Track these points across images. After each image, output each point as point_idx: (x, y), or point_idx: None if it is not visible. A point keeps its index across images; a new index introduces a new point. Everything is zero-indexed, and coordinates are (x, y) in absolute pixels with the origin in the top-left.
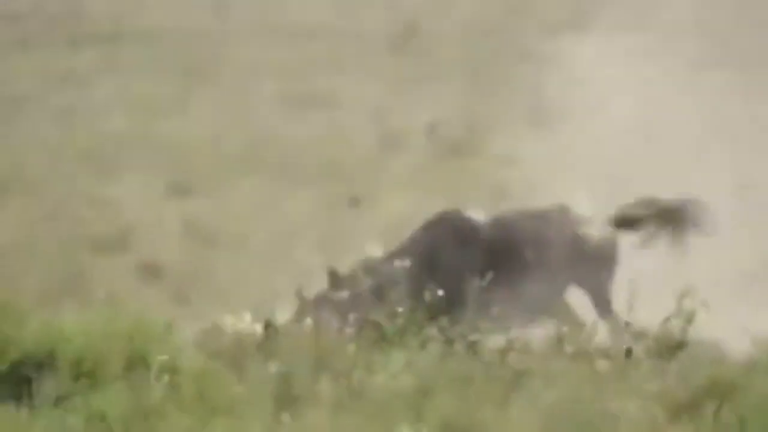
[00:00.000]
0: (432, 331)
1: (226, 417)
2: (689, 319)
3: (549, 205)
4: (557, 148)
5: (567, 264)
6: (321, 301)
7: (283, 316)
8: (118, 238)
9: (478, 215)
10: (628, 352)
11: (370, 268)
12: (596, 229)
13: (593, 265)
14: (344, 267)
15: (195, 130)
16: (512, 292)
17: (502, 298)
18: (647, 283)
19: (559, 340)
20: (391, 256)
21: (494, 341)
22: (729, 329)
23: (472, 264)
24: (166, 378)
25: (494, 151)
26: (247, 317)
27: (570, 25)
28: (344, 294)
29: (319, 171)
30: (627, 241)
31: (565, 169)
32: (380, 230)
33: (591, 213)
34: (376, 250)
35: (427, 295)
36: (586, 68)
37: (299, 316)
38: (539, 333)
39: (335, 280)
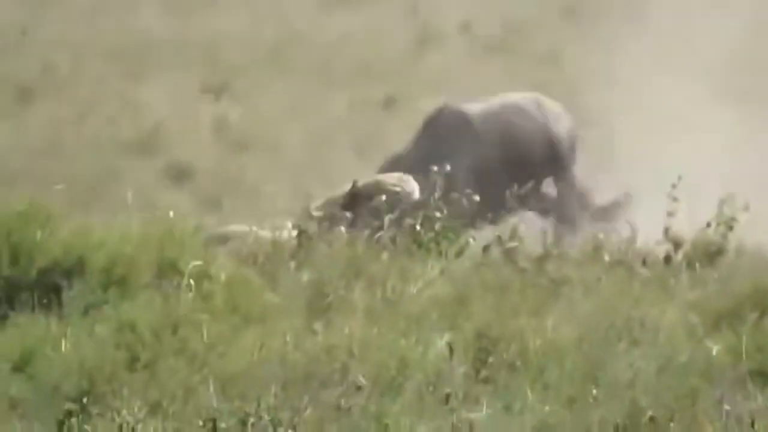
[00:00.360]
0: (468, 237)
1: (258, 325)
2: (730, 224)
3: (523, 96)
4: (596, 45)
5: (542, 157)
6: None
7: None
8: (148, 141)
9: (473, 108)
10: (667, 259)
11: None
12: (566, 122)
13: (565, 158)
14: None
15: (227, 28)
16: (498, 185)
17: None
18: (688, 187)
19: (597, 248)
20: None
21: (531, 248)
22: None
23: (470, 156)
24: (197, 286)
25: (532, 50)
26: (288, 224)
27: None
28: (381, 197)
29: (353, 70)
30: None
31: (603, 68)
32: (415, 131)
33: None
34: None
35: (465, 201)
36: None
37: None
38: (577, 240)
39: (354, 196)
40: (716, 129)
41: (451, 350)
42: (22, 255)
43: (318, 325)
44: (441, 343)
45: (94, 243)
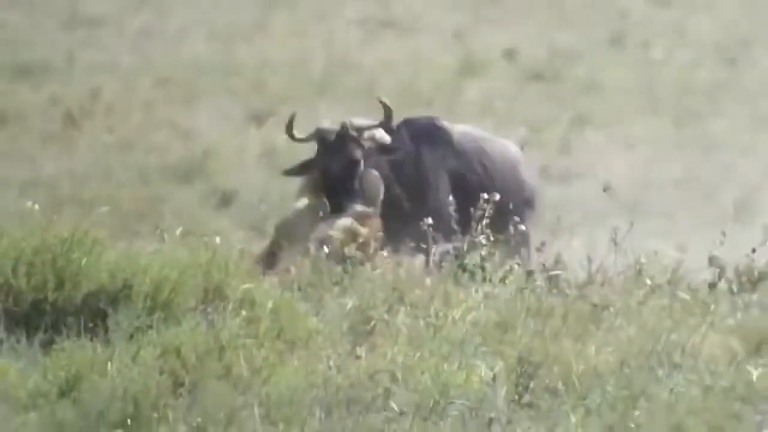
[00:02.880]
0: (512, 263)
1: (302, 350)
2: None
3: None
4: (640, 73)
5: (513, 194)
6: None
7: None
8: (195, 167)
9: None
10: (711, 285)
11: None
12: (530, 172)
13: (524, 205)
14: None
15: (274, 55)
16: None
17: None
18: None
19: (640, 273)
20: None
21: (575, 274)
22: None
23: (445, 168)
24: (242, 312)
25: (575, 77)
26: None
27: None
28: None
29: (398, 96)
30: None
31: (647, 95)
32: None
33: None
34: None
35: (511, 228)
36: None
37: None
38: (620, 265)
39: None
40: (762, 154)
41: (494, 375)
42: (67, 280)
43: (361, 350)
44: (484, 367)
45: (139, 268)
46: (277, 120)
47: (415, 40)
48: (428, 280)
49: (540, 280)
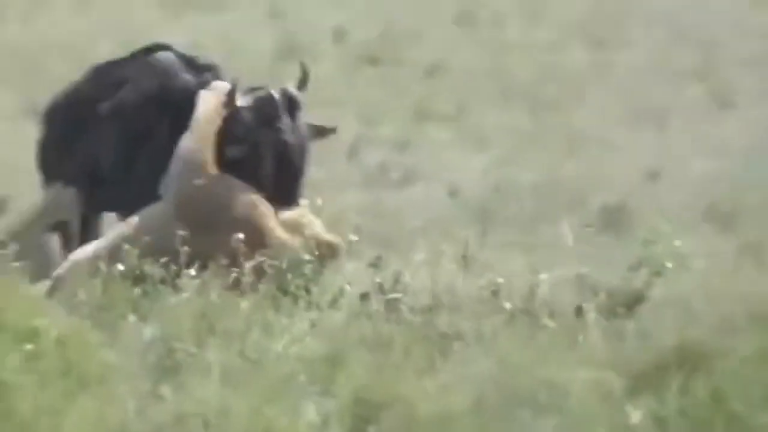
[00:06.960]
0: (343, 284)
1: (95, 390)
2: (658, 270)
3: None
4: (491, 56)
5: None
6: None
7: None
8: None
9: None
10: (579, 310)
11: None
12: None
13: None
14: None
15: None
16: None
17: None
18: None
19: (495, 295)
20: None
21: (418, 297)
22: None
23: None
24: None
25: (415, 60)
26: None
27: None
28: None
29: None
30: None
31: (500, 82)
32: None
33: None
34: None
35: None
36: None
37: None
38: (472, 285)
39: None
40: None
41: (324, 418)
42: None
43: (166, 390)
44: (312, 410)
45: None
46: None
47: (227, 18)
48: (244, 305)
49: (377, 305)
